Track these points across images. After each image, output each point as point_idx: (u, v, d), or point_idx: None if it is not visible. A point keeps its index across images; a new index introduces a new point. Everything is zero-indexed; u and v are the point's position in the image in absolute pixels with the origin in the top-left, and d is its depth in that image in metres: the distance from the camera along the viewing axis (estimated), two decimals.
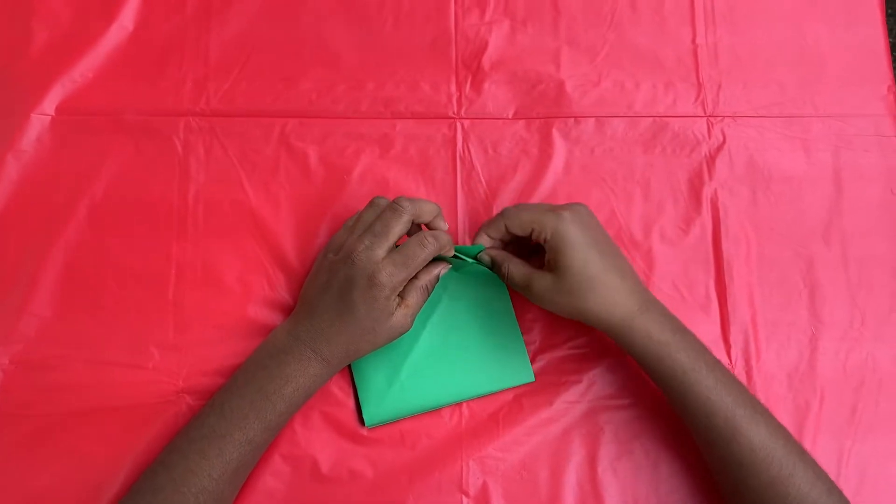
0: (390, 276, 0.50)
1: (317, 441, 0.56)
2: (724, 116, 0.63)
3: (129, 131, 0.61)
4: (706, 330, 0.59)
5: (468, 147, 0.62)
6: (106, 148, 0.61)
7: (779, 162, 0.62)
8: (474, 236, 0.55)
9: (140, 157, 0.61)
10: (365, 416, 0.56)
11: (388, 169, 0.61)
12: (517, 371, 0.57)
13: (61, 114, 0.61)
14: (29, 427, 0.55)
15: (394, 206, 0.51)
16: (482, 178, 0.61)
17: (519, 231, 0.53)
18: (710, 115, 0.63)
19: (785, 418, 0.57)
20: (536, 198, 0.61)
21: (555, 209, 0.52)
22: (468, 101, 0.63)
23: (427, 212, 0.53)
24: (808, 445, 0.57)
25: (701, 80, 0.63)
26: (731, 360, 0.58)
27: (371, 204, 0.54)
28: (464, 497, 0.55)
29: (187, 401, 0.56)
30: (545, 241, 0.52)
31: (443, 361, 0.57)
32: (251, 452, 0.51)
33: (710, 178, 0.62)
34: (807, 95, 0.63)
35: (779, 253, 0.61)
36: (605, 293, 0.51)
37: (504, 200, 0.61)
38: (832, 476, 0.55)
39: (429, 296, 0.54)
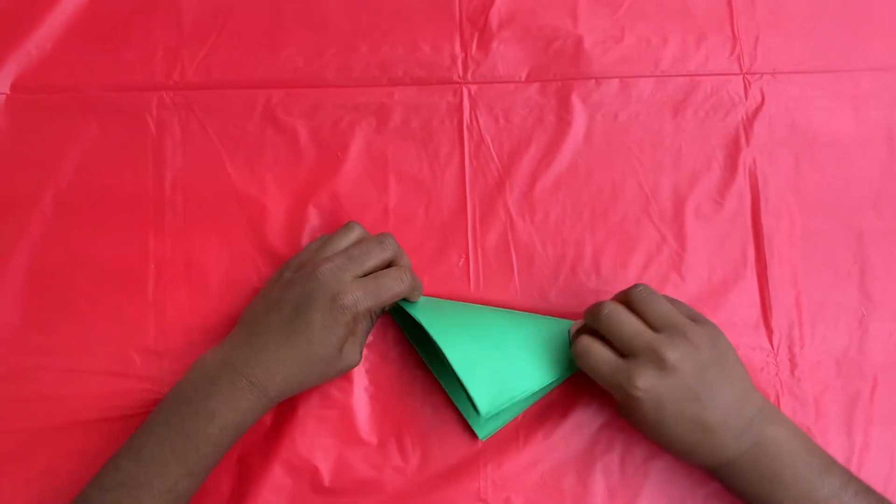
0: (356, 301, 0.45)
1: (318, 449, 0.51)
2: (762, 73, 0.56)
3: (95, 110, 0.55)
4: (745, 314, 0.53)
5: (476, 116, 0.55)
6: (70, 130, 0.55)
7: (824, 123, 0.56)
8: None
9: (109, 139, 0.55)
10: (479, 406, 0.47)
11: (386, 144, 0.55)
12: None
13: (17, 92, 0.55)
14: (1, 445, 0.50)
15: (380, 239, 0.48)
16: (493, 151, 0.55)
17: (587, 372, 0.47)
18: (746, 73, 0.56)
19: (833, 407, 0.52)
20: (555, 172, 0.55)
21: (630, 370, 0.44)
22: (475, 62, 0.56)
23: (406, 262, 0.50)
24: (859, 436, 0.52)
25: (736, 32, 0.57)
26: (772, 346, 0.53)
27: (346, 228, 0.49)
28: None
29: None
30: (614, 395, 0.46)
31: (538, 344, 0.50)
32: (174, 502, 0.44)
33: (748, 143, 0.55)
34: (856, 46, 0.57)
35: (825, 225, 0.55)
36: (682, 455, 0.47)
37: (519, 178, 0.55)
38: (885, 471, 0.51)
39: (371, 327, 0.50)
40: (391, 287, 0.47)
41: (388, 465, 0.51)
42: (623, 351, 0.45)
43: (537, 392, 0.50)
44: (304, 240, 0.53)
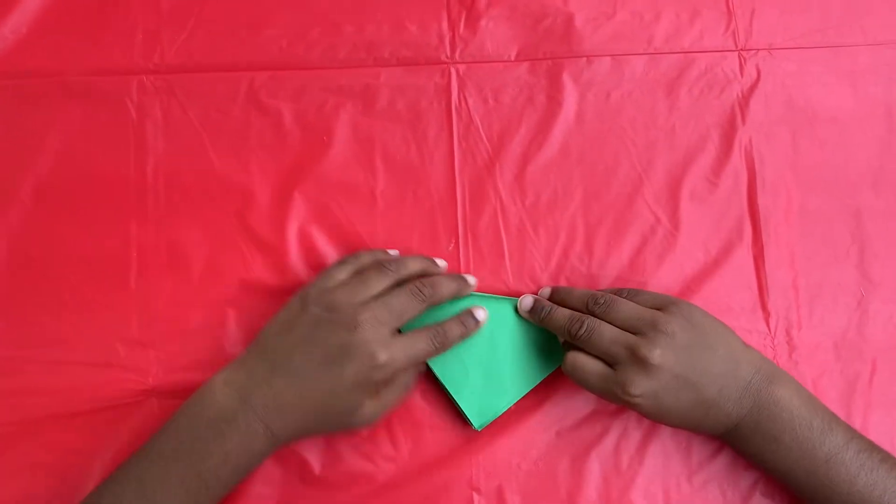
0: (393, 358, 0.44)
1: (307, 440, 0.50)
2: (758, 49, 0.55)
3: (74, 95, 0.53)
4: (741, 296, 0.52)
5: (465, 96, 0.54)
6: (48, 116, 0.53)
7: (822, 100, 0.54)
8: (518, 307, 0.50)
9: (89, 126, 0.53)
10: (472, 420, 0.50)
11: (372, 126, 0.54)
12: None
13: None
14: None
15: (417, 291, 0.46)
16: (482, 133, 0.54)
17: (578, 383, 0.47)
18: (742, 49, 0.55)
19: (832, 391, 0.51)
20: (546, 154, 0.53)
21: (619, 381, 0.44)
22: (463, 41, 0.55)
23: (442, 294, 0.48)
24: (858, 420, 0.51)
25: (731, 7, 0.55)
26: (769, 329, 0.52)
27: (377, 264, 0.47)
28: (475, 494, 0.49)
29: (158, 401, 0.50)
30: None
31: (522, 341, 0.51)
32: None
33: (744, 121, 0.54)
34: (854, 21, 0.55)
35: (823, 205, 0.53)
36: (688, 427, 0.47)
37: (509, 160, 0.53)
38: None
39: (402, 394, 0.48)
40: (425, 349, 0.46)
41: (379, 455, 0.50)
42: (607, 361, 0.46)
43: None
44: (290, 225, 0.52)
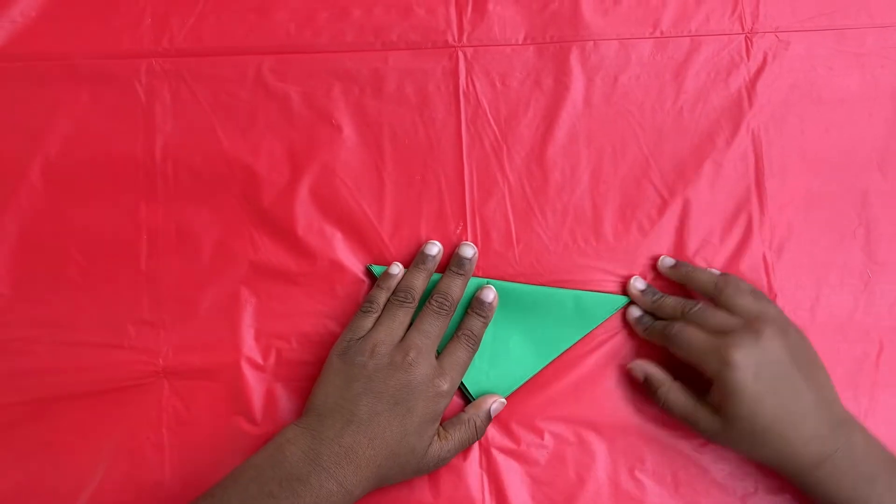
0: (453, 382, 0.46)
1: None
2: (765, 32, 0.55)
3: (83, 78, 0.53)
4: (748, 278, 0.52)
5: (472, 80, 0.54)
6: (57, 98, 0.53)
7: (829, 83, 0.54)
8: (627, 288, 0.52)
9: (98, 108, 0.53)
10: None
11: (380, 110, 0.54)
12: (602, 302, 0.52)
13: (2, 60, 0.53)
14: None
15: (439, 308, 0.48)
16: (490, 116, 0.54)
17: (681, 356, 0.47)
18: (748, 32, 0.55)
19: (838, 371, 0.51)
20: (553, 137, 0.53)
21: (727, 342, 0.45)
22: (471, 25, 0.55)
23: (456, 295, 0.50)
24: (864, 401, 0.51)
25: None
26: None
27: (392, 299, 0.49)
28: (484, 475, 0.50)
29: (168, 382, 0.50)
30: (711, 378, 0.46)
31: (529, 323, 0.51)
32: None
33: (751, 104, 0.54)
34: (860, 3, 0.55)
35: (829, 187, 0.54)
36: (779, 444, 0.45)
37: (516, 143, 0.53)
38: (892, 435, 0.50)
39: (474, 438, 0.48)
40: (466, 357, 0.48)
41: None
42: (717, 335, 0.46)
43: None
44: (298, 207, 0.52)
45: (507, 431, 0.51)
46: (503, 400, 0.49)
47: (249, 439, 0.50)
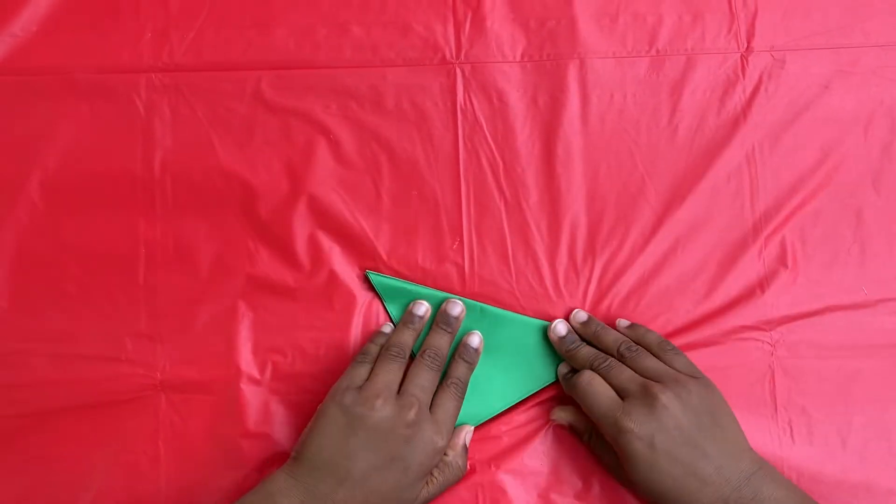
0: (448, 437, 0.46)
1: None
2: (760, 51, 0.55)
3: (83, 92, 0.54)
4: (743, 294, 0.53)
5: (470, 97, 0.55)
6: (57, 112, 0.54)
7: (825, 101, 0.55)
8: (549, 330, 0.51)
9: (97, 122, 0.54)
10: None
11: (379, 126, 0.54)
12: None
13: (2, 74, 0.54)
14: None
15: (431, 363, 0.48)
16: (487, 133, 0.54)
17: (583, 409, 0.48)
18: (744, 51, 0.55)
19: (831, 388, 0.52)
20: (549, 154, 0.54)
21: (623, 410, 0.45)
22: (468, 42, 0.55)
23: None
24: (856, 418, 0.51)
25: (734, 8, 0.55)
26: (770, 326, 0.52)
27: (383, 352, 0.48)
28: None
29: (165, 396, 0.51)
30: (608, 441, 0.46)
31: (514, 353, 0.51)
32: None
33: (746, 122, 0.54)
34: (856, 23, 0.55)
35: (824, 205, 0.54)
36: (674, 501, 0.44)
37: (513, 159, 0.54)
38: (883, 453, 0.51)
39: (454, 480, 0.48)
40: (457, 405, 0.48)
41: None
42: (620, 393, 0.46)
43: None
44: (295, 223, 0.53)
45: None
46: (471, 428, 0.50)
47: (245, 453, 0.50)
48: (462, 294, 0.52)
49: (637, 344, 0.49)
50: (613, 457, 0.47)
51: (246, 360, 0.51)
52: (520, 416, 0.52)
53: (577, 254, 0.53)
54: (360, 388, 0.45)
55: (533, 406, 0.52)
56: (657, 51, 0.55)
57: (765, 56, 0.55)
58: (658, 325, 0.52)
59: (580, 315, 0.51)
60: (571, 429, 0.50)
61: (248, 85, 0.54)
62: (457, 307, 0.51)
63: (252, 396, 0.51)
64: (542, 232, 0.53)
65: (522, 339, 0.51)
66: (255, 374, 0.51)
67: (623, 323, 0.51)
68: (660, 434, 0.44)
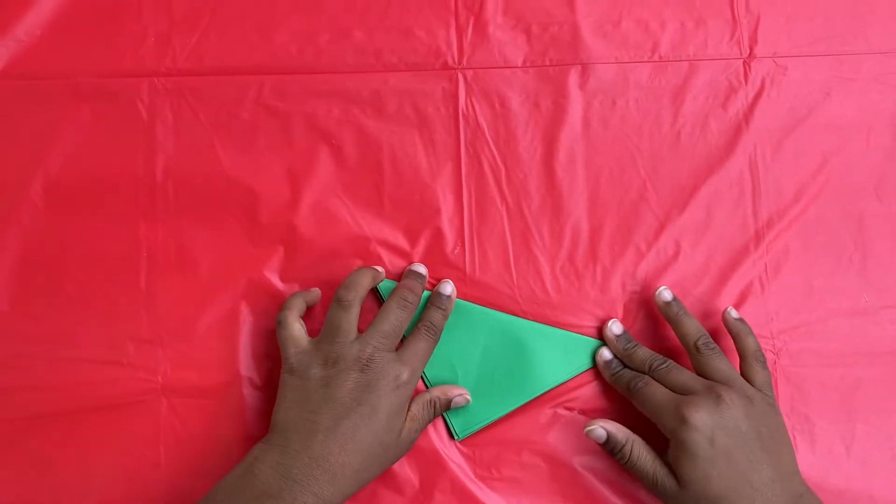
0: (414, 373, 0.46)
1: None
2: (763, 57, 0.55)
3: (86, 96, 0.54)
4: (744, 301, 0.53)
5: (472, 102, 0.55)
6: (60, 116, 0.54)
7: (827, 108, 0.55)
8: (603, 330, 0.51)
9: (99, 126, 0.54)
10: (455, 428, 0.51)
11: (381, 131, 0.54)
12: (592, 347, 0.52)
13: (6, 78, 0.54)
14: None
15: (404, 302, 0.48)
16: (489, 138, 0.54)
17: (641, 410, 0.48)
18: (747, 57, 0.55)
19: (833, 395, 0.52)
20: (551, 160, 0.54)
21: (686, 401, 0.45)
22: (471, 48, 0.55)
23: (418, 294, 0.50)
24: (859, 425, 0.51)
25: (736, 14, 0.55)
26: (772, 333, 0.52)
27: (339, 304, 0.47)
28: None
29: (167, 399, 0.51)
30: (667, 435, 0.46)
31: (516, 357, 0.51)
32: None
33: (748, 128, 0.54)
34: (858, 30, 0.55)
35: (826, 211, 0.54)
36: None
37: (515, 164, 0.54)
38: (886, 460, 0.51)
39: (434, 417, 0.49)
40: (427, 346, 0.48)
41: None
42: (681, 393, 0.46)
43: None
44: (297, 227, 0.53)
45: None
46: (468, 397, 0.50)
47: None
48: (463, 298, 0.52)
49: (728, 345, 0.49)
50: (658, 466, 0.46)
51: (247, 364, 0.51)
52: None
53: (579, 259, 0.53)
54: (317, 347, 0.46)
55: None
56: (659, 57, 0.55)
57: (767, 62, 0.55)
58: (660, 331, 0.52)
59: (665, 294, 0.50)
60: (609, 441, 0.47)
61: (250, 90, 0.54)
62: (448, 286, 0.50)
63: (252, 401, 0.51)
64: (543, 237, 0.53)
65: (525, 344, 0.51)
66: (256, 378, 0.51)
67: (734, 314, 0.50)
68: (721, 431, 0.44)
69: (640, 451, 0.47)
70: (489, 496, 0.50)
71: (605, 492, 0.50)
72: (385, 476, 0.50)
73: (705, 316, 0.52)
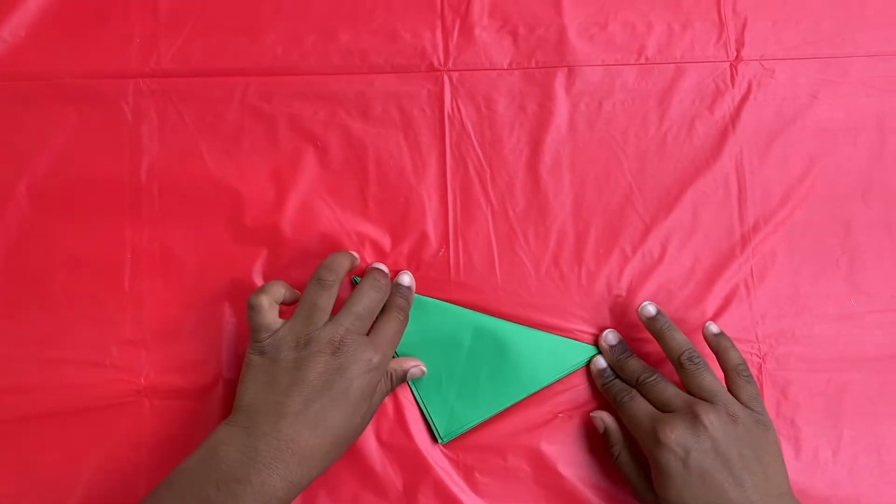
0: (386, 357, 0.46)
1: None
2: (750, 60, 0.55)
3: (71, 98, 0.54)
4: (730, 305, 0.52)
5: (458, 104, 0.54)
6: (45, 118, 0.54)
7: (813, 111, 0.55)
8: (599, 340, 0.51)
9: (85, 128, 0.54)
10: (439, 432, 0.51)
11: (366, 133, 0.54)
12: (577, 350, 0.51)
13: None
14: None
15: (373, 280, 0.48)
16: (474, 140, 0.54)
17: (625, 422, 0.48)
18: (733, 60, 0.55)
19: (820, 400, 0.52)
20: (537, 162, 0.54)
21: (664, 421, 0.45)
22: (457, 49, 0.55)
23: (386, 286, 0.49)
24: (845, 430, 0.51)
25: (723, 17, 0.55)
26: (758, 337, 0.52)
27: (319, 283, 0.46)
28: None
29: (149, 401, 0.51)
30: (646, 453, 0.46)
31: (501, 360, 0.51)
32: None
33: (735, 131, 0.54)
34: (846, 33, 0.55)
35: (812, 215, 0.54)
36: None
37: (500, 167, 0.54)
38: (873, 465, 0.51)
39: (391, 390, 0.49)
40: (398, 328, 0.47)
41: None
42: (663, 410, 0.46)
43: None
44: (282, 229, 0.53)
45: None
46: (424, 368, 0.50)
47: None
48: (447, 300, 0.52)
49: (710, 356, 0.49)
50: (641, 478, 0.47)
51: (229, 366, 0.51)
52: None
53: (564, 262, 0.53)
54: (289, 330, 0.45)
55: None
56: (646, 59, 0.55)
57: (754, 65, 0.55)
58: (644, 335, 0.52)
59: (649, 309, 0.50)
60: (605, 435, 0.49)
61: (235, 91, 0.54)
62: (407, 277, 0.51)
63: None
64: (528, 239, 0.53)
65: (510, 346, 0.51)
66: None
67: (713, 329, 0.49)
68: (697, 453, 0.43)
69: (626, 459, 0.48)
70: (473, 499, 0.50)
71: (590, 496, 0.50)
72: (368, 479, 0.50)
73: (689, 320, 0.52)
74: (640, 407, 0.47)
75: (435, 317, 0.51)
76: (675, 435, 0.44)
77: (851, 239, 0.53)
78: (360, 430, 0.46)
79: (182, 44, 0.55)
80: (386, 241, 0.53)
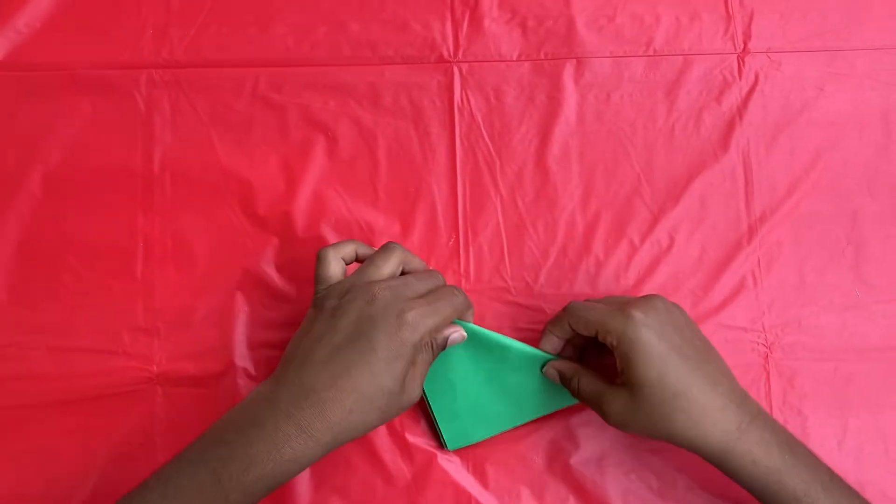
0: (422, 317, 0.41)
1: None
2: (757, 53, 0.55)
3: (85, 88, 0.54)
4: (737, 295, 0.53)
5: (467, 95, 0.55)
6: (58, 108, 0.54)
7: (820, 104, 0.55)
8: (541, 336, 0.49)
9: (98, 117, 0.54)
10: (447, 441, 0.50)
11: (376, 123, 0.55)
12: None
13: (5, 70, 0.55)
14: None
15: (431, 273, 0.46)
16: (484, 131, 0.54)
17: (584, 332, 0.46)
18: (741, 52, 0.55)
19: (825, 390, 0.52)
20: (546, 153, 0.54)
21: (624, 307, 0.43)
22: (466, 41, 0.55)
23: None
24: (851, 420, 0.52)
25: (730, 10, 0.56)
26: (764, 327, 0.52)
27: (385, 249, 0.45)
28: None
29: (162, 389, 0.51)
30: (613, 346, 0.44)
31: (519, 384, 0.49)
32: None
33: (742, 123, 0.55)
34: (852, 26, 0.56)
35: (819, 207, 0.54)
36: (693, 412, 0.42)
37: (509, 158, 0.54)
38: (879, 455, 0.51)
39: (433, 361, 0.45)
40: (450, 302, 0.44)
41: None
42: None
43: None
44: (293, 218, 0.53)
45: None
46: (464, 333, 0.46)
47: None
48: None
49: None
50: (600, 386, 0.45)
51: (241, 354, 0.52)
52: None
53: (573, 252, 0.53)
54: (342, 280, 0.44)
55: None
56: (654, 51, 0.55)
57: (761, 58, 0.55)
58: None
59: (552, 373, 0.48)
60: (561, 376, 0.47)
61: (247, 82, 0.55)
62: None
63: (247, 391, 0.51)
64: (537, 229, 0.54)
65: (529, 371, 0.49)
66: (251, 369, 0.52)
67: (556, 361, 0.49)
68: (668, 326, 0.43)
69: (587, 380, 0.46)
70: (480, 491, 0.50)
71: (599, 486, 0.50)
72: (377, 466, 0.50)
73: (697, 310, 0.52)
74: (595, 306, 0.46)
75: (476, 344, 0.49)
76: (644, 312, 0.43)
77: (857, 230, 0.54)
78: (400, 400, 0.42)
79: (194, 35, 0.55)
80: (396, 231, 0.53)
